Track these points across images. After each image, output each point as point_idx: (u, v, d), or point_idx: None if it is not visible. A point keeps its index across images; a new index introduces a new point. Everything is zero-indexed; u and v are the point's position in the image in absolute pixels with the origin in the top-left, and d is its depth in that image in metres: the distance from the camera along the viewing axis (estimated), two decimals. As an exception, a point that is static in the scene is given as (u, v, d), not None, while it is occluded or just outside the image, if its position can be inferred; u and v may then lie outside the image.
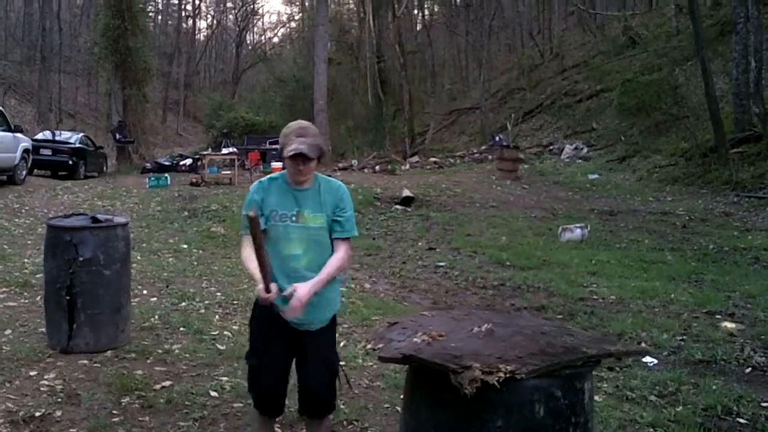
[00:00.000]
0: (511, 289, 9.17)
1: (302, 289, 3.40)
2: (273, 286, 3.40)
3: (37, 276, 7.86)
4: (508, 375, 2.46)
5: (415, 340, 2.76)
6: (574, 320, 7.33)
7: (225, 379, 5.40)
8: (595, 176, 20.17)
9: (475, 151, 27.08)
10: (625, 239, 12.84)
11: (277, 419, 4.18)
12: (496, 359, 2.54)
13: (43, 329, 6.15)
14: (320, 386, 3.68)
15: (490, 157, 24.17)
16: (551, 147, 25.91)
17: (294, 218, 3.61)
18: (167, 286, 8.36)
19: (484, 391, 2.44)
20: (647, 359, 6.06)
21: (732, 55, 19.97)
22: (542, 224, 14.17)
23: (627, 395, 5.31)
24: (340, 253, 3.62)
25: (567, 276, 9.72)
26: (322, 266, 3.56)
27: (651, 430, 4.74)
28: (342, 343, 6.36)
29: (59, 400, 4.85)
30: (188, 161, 24.80)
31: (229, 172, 20.57)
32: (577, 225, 13.01)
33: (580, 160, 23.03)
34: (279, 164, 21.67)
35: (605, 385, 5.46)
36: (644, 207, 16.11)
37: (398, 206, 15.45)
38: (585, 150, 24.25)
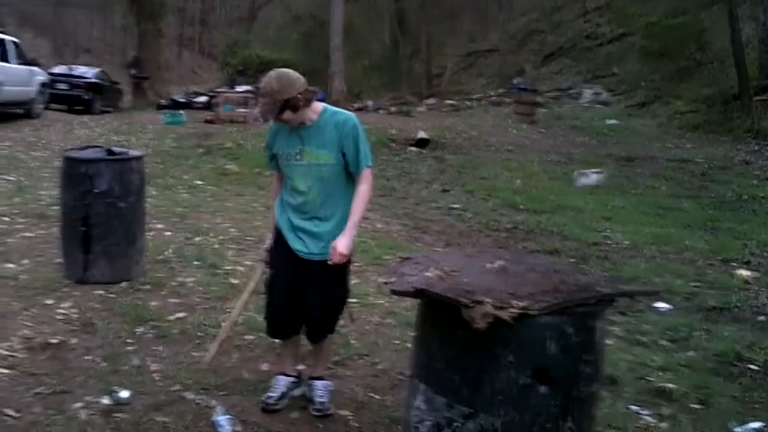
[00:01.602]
0: (524, 232, 9.15)
1: (340, 244, 3.62)
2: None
3: (53, 208, 7.87)
4: (520, 311, 2.44)
5: (427, 274, 2.75)
6: (587, 264, 7.31)
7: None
8: (614, 122, 19.90)
9: (492, 94, 26.75)
10: (641, 185, 12.74)
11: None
12: (508, 295, 2.52)
13: (60, 260, 6.18)
14: (316, 313, 3.87)
15: (507, 100, 23.89)
16: (570, 91, 25.53)
17: (298, 156, 3.75)
18: (181, 221, 8.39)
19: (496, 326, 2.43)
20: (659, 304, 6.05)
21: (761, -1, 19.49)
22: (558, 169, 14.07)
23: (638, 339, 5.31)
24: (360, 186, 3.72)
25: (581, 221, 9.69)
26: (331, 201, 3.75)
27: (661, 373, 4.75)
28: (354, 281, 6.35)
29: (75, 328, 4.90)
30: (203, 98, 24.68)
31: (243, 110, 20.45)
32: (593, 170, 12.92)
33: (599, 105, 22.72)
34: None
35: (616, 329, 5.45)
36: (663, 154, 15.92)
37: (413, 148, 15.34)
38: (604, 95, 23.90)
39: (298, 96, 3.60)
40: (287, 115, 3.63)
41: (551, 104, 23.09)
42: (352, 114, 3.75)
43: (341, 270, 3.81)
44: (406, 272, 2.84)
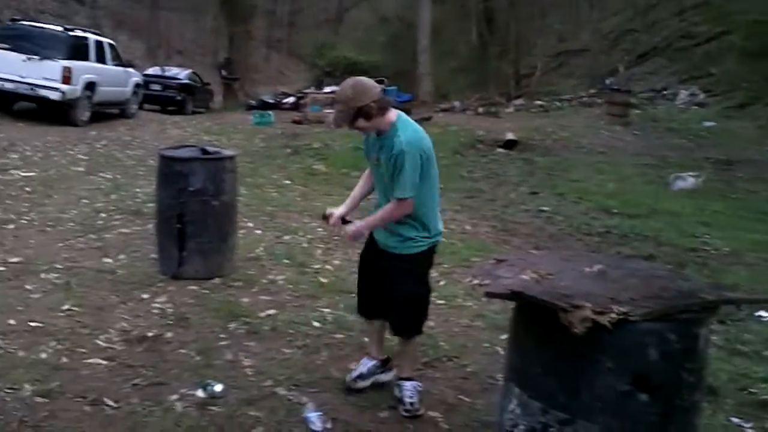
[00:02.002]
0: (617, 236, 8.93)
1: (349, 228, 3.98)
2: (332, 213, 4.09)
3: (149, 205, 8.10)
4: (621, 316, 2.38)
5: (522, 277, 2.71)
6: (684, 271, 7.08)
7: (327, 310, 5.48)
8: (711, 123, 19.25)
9: (583, 94, 26.26)
10: (740, 190, 12.31)
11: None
12: (608, 300, 2.46)
13: (155, 255, 6.36)
14: (391, 306, 4.03)
15: (599, 101, 23.41)
16: (665, 92, 24.83)
17: (376, 162, 3.94)
18: (271, 220, 8.51)
19: (595, 331, 2.38)
20: (762, 313, 5.82)
21: None
22: (652, 172, 13.71)
23: (739, 349, 5.13)
24: (388, 206, 3.86)
25: (677, 225, 9.41)
26: None
27: (763, 385, 4.57)
28: (442, 282, 6.38)
29: (170, 322, 5.03)
30: (291, 99, 25.01)
31: (330, 110, 20.61)
32: (690, 173, 12.54)
33: (695, 107, 22.02)
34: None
35: (715, 338, 5.26)
36: (763, 157, 15.33)
37: (501, 149, 15.19)
38: (701, 96, 23.15)
39: (372, 104, 3.68)
40: (361, 122, 3.74)
41: (645, 105, 22.50)
42: (407, 142, 3.71)
43: (406, 267, 3.92)
44: (501, 274, 2.81)
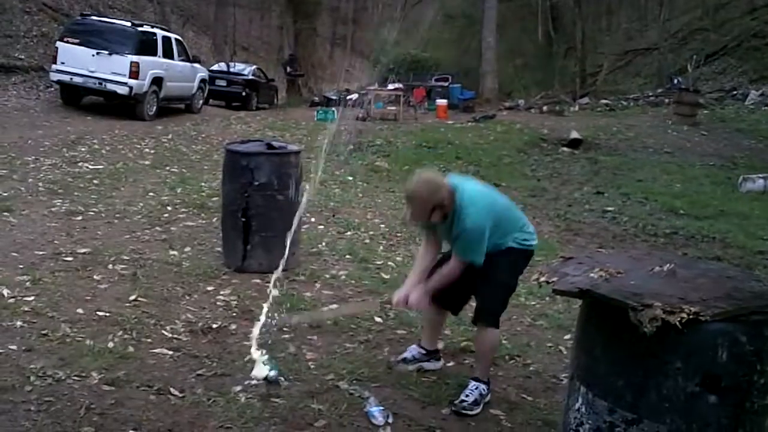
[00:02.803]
0: (683, 238, 8.76)
1: (412, 298, 4.04)
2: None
3: (213, 199, 8.23)
4: (691, 316, 2.32)
5: (591, 275, 2.67)
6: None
7: (389, 306, 5.47)
8: (784, 124, 18.73)
9: (650, 93, 25.79)
10: (812, 192, 11.93)
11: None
12: (678, 299, 2.41)
13: (219, 248, 6.46)
14: (485, 298, 4.08)
15: (666, 100, 22.94)
16: (734, 92, 24.24)
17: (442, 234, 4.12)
18: (333, 215, 8.57)
19: (664, 331, 2.33)
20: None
21: None
22: (721, 173, 13.40)
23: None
24: (449, 265, 4.00)
25: (746, 228, 9.19)
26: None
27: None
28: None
29: (234, 314, 5.10)
30: (354, 96, 25.12)
31: (394, 107, 20.68)
32: (760, 175, 12.21)
33: (766, 107, 21.39)
34: (444, 101, 21.64)
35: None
36: (836, 158, 14.88)
37: (565, 148, 15.01)
38: (772, 96, 22.57)
39: (445, 199, 3.84)
40: (435, 216, 3.87)
41: (713, 105, 21.98)
42: (475, 223, 3.84)
43: (501, 259, 3.98)
44: (569, 272, 2.77)
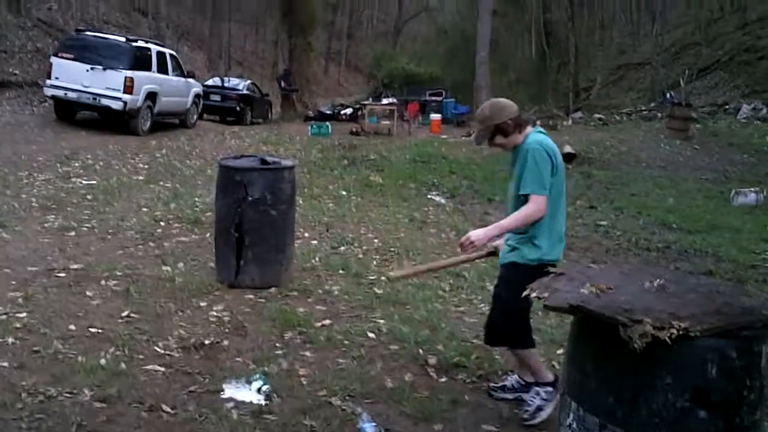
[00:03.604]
0: (676, 252, 8.79)
1: (474, 233, 3.96)
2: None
3: (207, 214, 8.23)
4: (681, 332, 2.33)
5: (582, 291, 2.67)
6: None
7: (382, 321, 5.49)
8: (775, 139, 18.81)
9: (643, 108, 25.91)
10: (804, 206, 11.97)
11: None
12: (668, 315, 2.42)
13: (212, 264, 6.45)
14: (490, 313, 4.18)
15: (659, 115, 23.05)
16: (727, 106, 24.36)
17: (509, 176, 4.17)
18: (327, 230, 8.56)
19: (654, 347, 2.34)
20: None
21: None
22: (713, 187, 13.46)
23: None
24: (521, 209, 3.89)
25: (738, 242, 9.22)
26: None
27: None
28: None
29: (227, 330, 5.09)
30: (349, 111, 25.17)
31: (388, 122, 20.74)
32: (752, 189, 12.27)
33: (758, 121, 21.53)
34: (438, 116, 21.71)
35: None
36: (828, 173, 14.94)
37: (559, 162, 15.03)
38: (765, 110, 22.65)
39: (508, 122, 3.93)
40: (499, 139, 4.00)
41: (706, 120, 22.10)
42: (534, 141, 3.88)
43: (511, 277, 3.95)
44: (560, 288, 2.77)
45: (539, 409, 4.03)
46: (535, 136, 3.95)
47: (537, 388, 4.09)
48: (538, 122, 22.34)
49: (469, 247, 3.94)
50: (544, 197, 3.82)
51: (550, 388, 4.06)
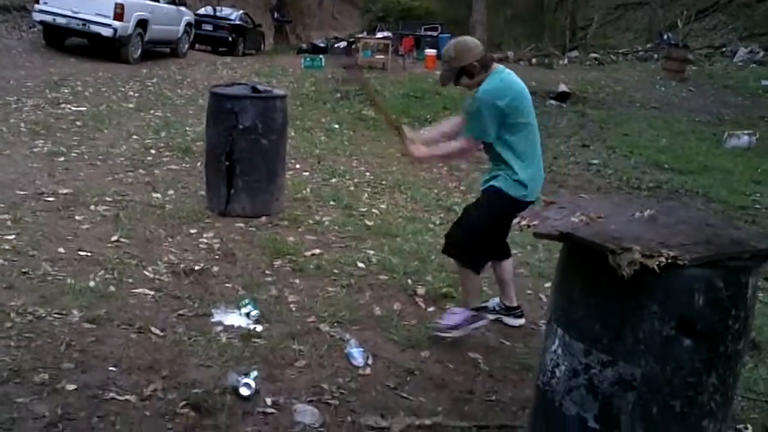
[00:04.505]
0: (667, 191, 8.82)
1: (417, 150, 4.10)
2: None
3: (198, 143, 8.17)
4: (669, 260, 2.33)
5: (572, 219, 2.67)
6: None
7: (372, 252, 5.51)
8: (770, 82, 18.71)
9: (639, 48, 25.68)
10: (796, 149, 11.98)
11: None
12: (657, 244, 2.42)
13: (203, 192, 6.43)
14: (454, 224, 4.19)
15: (655, 56, 22.89)
16: (723, 49, 24.17)
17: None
18: (319, 162, 8.54)
19: (642, 275, 2.34)
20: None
21: None
22: (706, 129, 13.42)
23: (786, 306, 5.03)
24: (455, 143, 4.02)
25: (729, 183, 9.25)
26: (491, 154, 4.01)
27: (810, 342, 4.50)
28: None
29: (216, 257, 5.10)
30: (343, 44, 24.83)
31: (382, 56, 20.46)
32: (745, 132, 12.25)
33: (754, 65, 21.38)
34: (433, 51, 21.43)
35: (761, 295, 5.18)
36: (821, 117, 14.90)
37: (553, 101, 14.94)
38: (761, 54, 22.47)
39: (474, 63, 3.87)
40: (464, 80, 3.94)
41: (702, 62, 21.95)
42: (485, 88, 3.82)
43: (485, 200, 4.01)
44: (551, 216, 2.77)
45: (454, 327, 4.07)
46: (494, 80, 3.85)
47: (457, 310, 4.14)
48: (533, 60, 22.12)
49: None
50: (469, 141, 3.92)
51: (472, 313, 4.11)
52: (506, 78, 3.89)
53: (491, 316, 4.40)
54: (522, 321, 4.49)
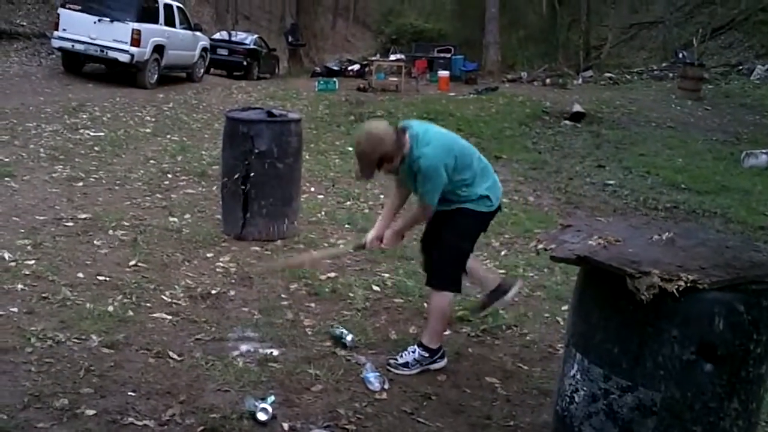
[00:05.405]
0: (684, 212, 8.75)
1: (385, 242, 4.22)
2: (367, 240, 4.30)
3: (214, 167, 8.22)
4: (689, 284, 2.32)
5: (590, 242, 2.67)
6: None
7: (387, 275, 5.51)
8: (787, 100, 18.61)
9: (654, 67, 25.63)
10: (815, 168, 11.88)
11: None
12: (676, 267, 2.41)
13: (219, 216, 6.46)
14: (434, 260, 4.12)
15: (671, 74, 22.83)
16: (740, 67, 24.07)
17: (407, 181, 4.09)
18: (333, 185, 8.56)
19: (662, 299, 2.34)
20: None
21: None
22: (724, 148, 13.33)
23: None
24: (415, 211, 4.07)
25: (747, 203, 9.17)
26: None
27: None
28: (503, 252, 6.37)
29: (233, 281, 5.12)
30: (356, 66, 24.95)
31: (395, 78, 20.55)
32: (763, 150, 12.15)
33: (771, 83, 21.32)
34: (446, 73, 21.53)
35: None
36: (839, 136, 14.79)
37: (567, 122, 14.91)
38: (778, 72, 22.39)
39: (389, 150, 3.77)
40: (386, 167, 3.85)
41: (718, 80, 21.86)
42: (428, 158, 3.78)
43: (457, 221, 3.98)
44: (567, 239, 2.77)
45: (406, 365, 3.99)
46: (422, 144, 3.82)
47: (416, 348, 4.04)
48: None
49: (377, 248, 4.29)
50: (432, 206, 3.90)
51: (427, 355, 4.02)
52: (439, 140, 3.89)
53: (489, 309, 4.61)
54: (512, 291, 4.51)
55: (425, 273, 4.24)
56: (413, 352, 4.02)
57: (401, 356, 4.03)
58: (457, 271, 4.03)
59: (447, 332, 4.56)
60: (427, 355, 4.01)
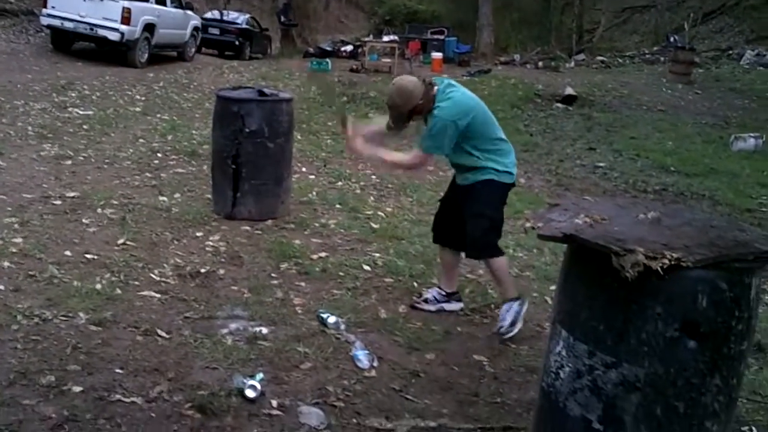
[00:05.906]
0: (673, 194, 8.81)
1: (359, 145, 4.38)
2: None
3: (204, 147, 8.20)
4: (673, 262, 2.33)
5: (576, 221, 2.67)
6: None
7: (377, 255, 5.52)
8: (777, 84, 18.65)
9: (646, 51, 25.61)
10: (803, 152, 11.94)
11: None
12: (661, 245, 2.42)
13: (209, 195, 6.46)
14: (468, 232, 4.26)
15: (662, 58, 22.83)
16: (730, 51, 24.09)
17: None
18: (325, 165, 8.56)
19: (646, 277, 2.34)
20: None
21: None
22: (713, 132, 13.38)
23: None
24: (408, 153, 4.47)
25: (735, 186, 9.23)
26: (460, 160, 4.28)
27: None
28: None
29: (222, 260, 5.12)
30: (349, 47, 24.84)
31: (389, 60, 20.49)
32: (752, 134, 12.21)
33: (761, 67, 21.29)
34: (439, 55, 21.46)
35: (765, 297, 5.17)
36: (829, 120, 14.85)
37: (559, 104, 14.91)
38: (768, 56, 22.43)
39: (420, 102, 4.10)
40: (416, 118, 4.22)
41: (709, 64, 21.89)
42: (445, 110, 4.07)
43: (479, 194, 4.21)
44: (554, 218, 2.77)
45: (513, 323, 4.24)
46: (441, 102, 4.10)
47: (513, 304, 4.28)
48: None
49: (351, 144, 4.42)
50: (427, 156, 4.29)
51: (519, 303, 4.29)
52: (459, 99, 4.13)
53: (433, 308, 4.58)
54: (461, 305, 4.67)
55: (440, 233, 4.56)
56: (508, 310, 4.27)
57: (502, 322, 4.27)
58: (493, 238, 4.27)
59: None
60: (517, 303, 4.29)
